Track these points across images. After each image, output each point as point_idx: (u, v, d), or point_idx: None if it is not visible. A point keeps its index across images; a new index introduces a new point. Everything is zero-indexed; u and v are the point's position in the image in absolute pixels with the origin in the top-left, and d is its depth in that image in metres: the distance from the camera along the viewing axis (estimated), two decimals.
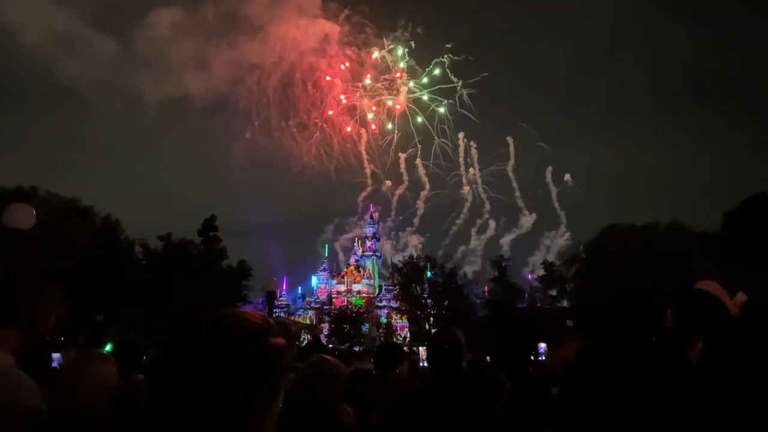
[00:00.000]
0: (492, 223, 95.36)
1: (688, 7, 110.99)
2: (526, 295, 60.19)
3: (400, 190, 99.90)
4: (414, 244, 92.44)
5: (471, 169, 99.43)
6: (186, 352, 1.29)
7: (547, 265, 60.03)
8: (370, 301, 78.35)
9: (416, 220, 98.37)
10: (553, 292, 57.58)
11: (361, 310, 70.49)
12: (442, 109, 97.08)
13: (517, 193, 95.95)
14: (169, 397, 1.25)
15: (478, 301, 61.00)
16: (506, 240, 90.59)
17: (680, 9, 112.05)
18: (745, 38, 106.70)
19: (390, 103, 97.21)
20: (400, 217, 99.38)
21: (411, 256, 67.46)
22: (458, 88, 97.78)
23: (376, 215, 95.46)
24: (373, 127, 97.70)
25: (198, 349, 1.28)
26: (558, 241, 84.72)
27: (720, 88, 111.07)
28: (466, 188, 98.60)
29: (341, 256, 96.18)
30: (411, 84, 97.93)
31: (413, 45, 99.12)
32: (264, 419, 1.31)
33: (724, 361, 1.26)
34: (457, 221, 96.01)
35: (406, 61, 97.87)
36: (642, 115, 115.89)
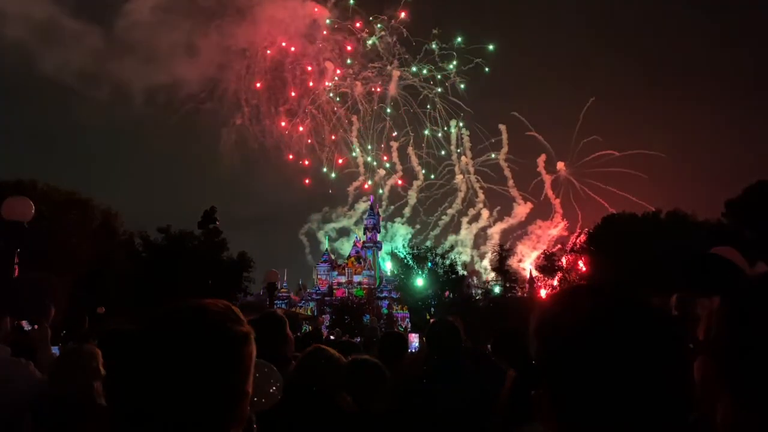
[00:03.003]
0: (485, 213, 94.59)
1: None
2: (527, 285, 60.32)
3: (392, 180, 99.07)
4: (403, 234, 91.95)
5: (463, 158, 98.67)
6: (142, 347, 1.27)
7: (548, 255, 60.08)
8: (371, 292, 78.34)
9: (407, 210, 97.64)
10: (554, 282, 57.64)
11: (362, 301, 70.58)
12: (457, 65, 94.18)
13: (510, 182, 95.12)
14: (127, 392, 1.22)
15: (479, 291, 61.13)
16: (496, 229, 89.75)
17: None
18: (747, 27, 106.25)
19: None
20: (392, 207, 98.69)
21: (413, 247, 67.45)
22: (451, 75, 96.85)
23: (377, 207, 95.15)
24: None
25: (152, 343, 1.25)
26: (551, 231, 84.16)
27: (721, 76, 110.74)
28: (459, 177, 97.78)
29: (326, 245, 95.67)
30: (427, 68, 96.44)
31: (405, 33, 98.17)
32: (229, 410, 1.26)
33: (737, 318, 1.13)
34: (449, 211, 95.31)
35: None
36: (640, 103, 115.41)
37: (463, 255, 73.69)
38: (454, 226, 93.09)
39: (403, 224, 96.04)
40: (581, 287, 1.20)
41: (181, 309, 1.31)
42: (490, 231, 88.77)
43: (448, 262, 61.67)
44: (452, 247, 68.69)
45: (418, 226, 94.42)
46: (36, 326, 4.50)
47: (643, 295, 1.15)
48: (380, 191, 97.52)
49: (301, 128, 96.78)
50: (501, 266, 59.80)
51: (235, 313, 1.32)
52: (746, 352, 1.05)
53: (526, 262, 66.87)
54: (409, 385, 4.05)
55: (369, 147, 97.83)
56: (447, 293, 58.78)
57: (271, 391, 2.34)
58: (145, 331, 1.29)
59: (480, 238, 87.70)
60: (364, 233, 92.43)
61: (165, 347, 1.23)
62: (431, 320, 4.72)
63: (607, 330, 1.08)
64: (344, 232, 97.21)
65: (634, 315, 1.12)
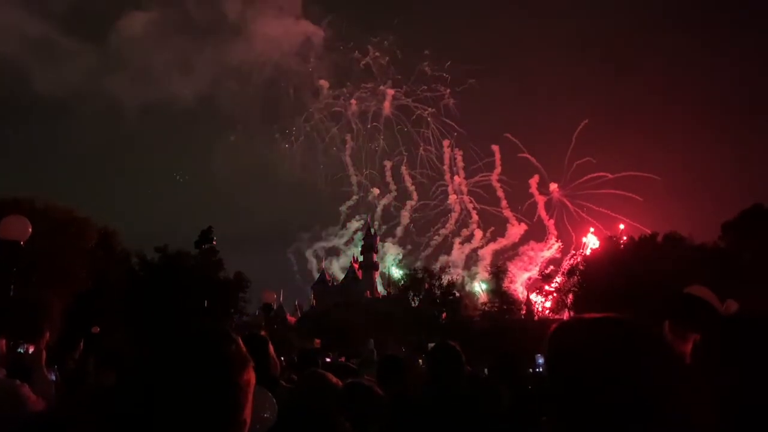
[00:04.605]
0: (478, 234, 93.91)
1: (692, 17, 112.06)
2: (524, 307, 60.10)
3: (385, 200, 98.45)
4: (393, 254, 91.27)
5: (456, 177, 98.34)
6: (137, 369, 1.28)
7: (545, 277, 59.92)
8: (368, 313, 77.75)
9: (399, 230, 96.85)
10: (551, 304, 57.43)
11: (359, 323, 70.04)
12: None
13: (504, 203, 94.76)
14: (127, 414, 1.22)
15: (476, 313, 60.82)
16: (488, 250, 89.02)
17: (684, 19, 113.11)
18: (745, 49, 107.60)
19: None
20: (384, 227, 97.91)
21: (409, 268, 67.22)
22: (445, 96, 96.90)
23: (374, 227, 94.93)
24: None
25: (147, 366, 1.27)
26: (545, 252, 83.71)
27: (717, 97, 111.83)
28: (452, 197, 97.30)
29: (314, 264, 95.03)
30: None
31: (398, 54, 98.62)
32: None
33: (719, 358, 1.22)
34: (442, 231, 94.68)
35: None
36: (633, 126, 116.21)
37: (454, 275, 73.05)
38: (446, 247, 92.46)
39: (394, 244, 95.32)
40: (603, 320, 1.22)
41: (182, 335, 1.32)
42: (481, 252, 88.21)
43: (444, 283, 61.49)
44: (447, 268, 68.33)
45: (409, 247, 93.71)
46: (31, 347, 4.48)
47: (662, 332, 1.19)
48: (377, 209, 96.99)
49: (294, 146, 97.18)
50: (497, 288, 59.59)
51: (235, 340, 1.33)
52: (724, 394, 1.11)
53: (517, 283, 66.50)
54: (407, 410, 4.03)
55: (364, 168, 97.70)
56: (444, 315, 58.50)
57: (265, 416, 2.33)
58: (144, 356, 1.29)
59: (471, 259, 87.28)
60: (361, 253, 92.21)
61: (164, 372, 1.23)
62: (428, 343, 4.68)
63: (634, 364, 1.10)
64: (333, 252, 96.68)
65: (661, 351, 1.14)
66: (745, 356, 1.19)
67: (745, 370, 1.17)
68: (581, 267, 55.50)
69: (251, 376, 1.31)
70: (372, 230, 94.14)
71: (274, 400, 2.23)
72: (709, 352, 1.25)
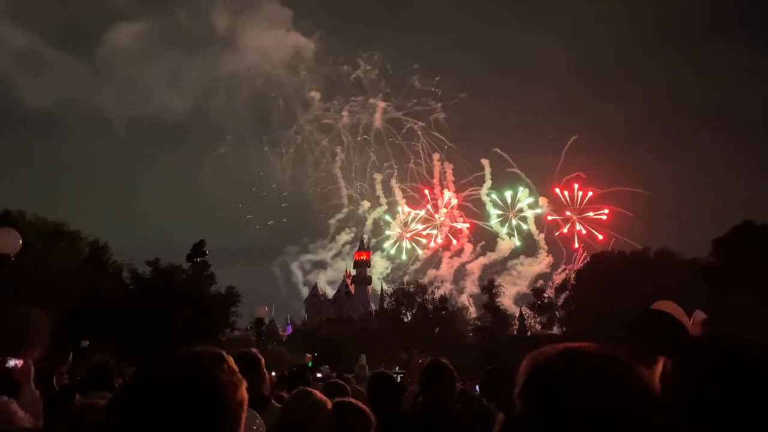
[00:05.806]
0: (468, 248, 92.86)
1: (681, 37, 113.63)
2: (516, 322, 59.99)
3: (375, 213, 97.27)
4: (381, 269, 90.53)
5: (446, 191, 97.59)
6: (133, 393, 1.28)
7: (537, 292, 59.93)
8: (361, 328, 77.55)
9: (389, 244, 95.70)
10: (543, 319, 57.39)
11: (351, 337, 69.81)
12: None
13: (493, 217, 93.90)
14: None
15: (469, 328, 60.67)
16: (477, 264, 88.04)
17: (672, 38, 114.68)
18: (735, 68, 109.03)
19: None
20: (374, 240, 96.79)
21: (402, 283, 67.14)
22: (435, 110, 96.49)
23: (367, 241, 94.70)
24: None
25: (138, 390, 1.28)
26: (534, 267, 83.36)
27: (706, 116, 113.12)
28: (442, 211, 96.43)
29: (300, 277, 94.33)
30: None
31: (388, 68, 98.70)
32: None
33: (687, 380, 1.22)
34: (431, 245, 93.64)
35: None
36: (630, 141, 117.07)
37: (442, 289, 72.59)
38: (436, 261, 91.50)
39: (383, 257, 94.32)
40: (583, 352, 1.23)
41: (172, 361, 1.32)
42: (470, 266, 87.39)
43: (437, 297, 61.41)
44: (439, 282, 68.26)
45: (398, 261, 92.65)
46: (20, 363, 4.43)
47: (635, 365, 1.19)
48: (369, 223, 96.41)
49: (284, 158, 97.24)
50: (491, 303, 59.48)
51: (227, 362, 1.33)
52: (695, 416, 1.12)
53: (504, 297, 66.09)
54: (398, 426, 4.01)
55: (355, 181, 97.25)
56: (437, 330, 58.33)
57: None
58: (135, 384, 1.30)
59: (459, 273, 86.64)
60: (354, 267, 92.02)
61: (154, 401, 1.24)
62: (420, 361, 4.69)
63: (603, 399, 1.11)
64: (320, 265, 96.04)
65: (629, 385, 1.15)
66: (703, 382, 1.18)
67: (704, 397, 1.17)
68: (572, 282, 55.59)
69: (243, 396, 1.32)
70: (365, 244, 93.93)
71: (262, 421, 2.23)
72: (672, 376, 1.24)
